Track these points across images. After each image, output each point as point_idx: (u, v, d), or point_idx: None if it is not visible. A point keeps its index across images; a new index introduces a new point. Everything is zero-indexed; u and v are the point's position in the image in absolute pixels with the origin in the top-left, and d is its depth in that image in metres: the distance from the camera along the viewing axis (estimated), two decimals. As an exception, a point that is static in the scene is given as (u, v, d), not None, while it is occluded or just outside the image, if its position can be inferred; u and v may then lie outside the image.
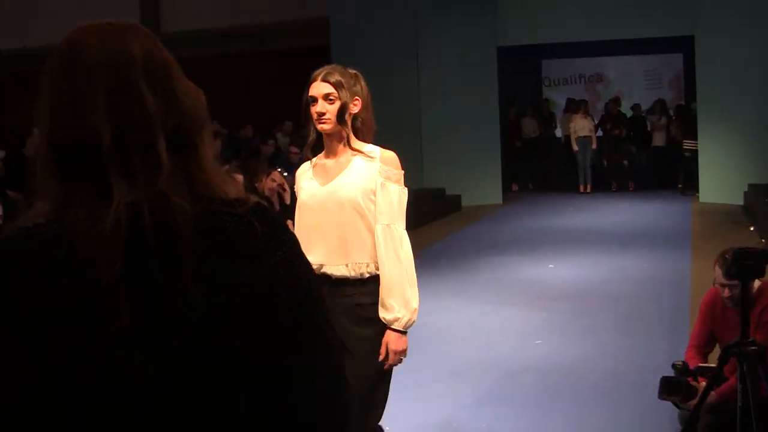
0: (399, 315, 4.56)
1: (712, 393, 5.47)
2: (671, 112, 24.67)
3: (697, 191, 20.88)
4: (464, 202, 21.49)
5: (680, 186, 22.22)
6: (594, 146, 23.67)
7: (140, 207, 1.76)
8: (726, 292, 5.89)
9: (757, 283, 5.91)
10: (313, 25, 23.29)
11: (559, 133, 26.30)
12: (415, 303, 4.63)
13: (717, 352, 5.81)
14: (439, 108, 21.48)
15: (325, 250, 4.63)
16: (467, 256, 14.97)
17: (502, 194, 22.40)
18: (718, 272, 5.93)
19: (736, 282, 5.42)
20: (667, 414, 6.54)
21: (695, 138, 21.05)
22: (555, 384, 7.91)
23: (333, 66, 4.82)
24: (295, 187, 4.97)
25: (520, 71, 26.31)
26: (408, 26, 21.41)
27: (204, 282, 1.77)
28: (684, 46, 22.96)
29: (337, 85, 4.65)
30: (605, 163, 24.25)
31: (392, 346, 4.59)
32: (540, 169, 25.56)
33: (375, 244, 4.60)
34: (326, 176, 4.74)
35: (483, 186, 21.86)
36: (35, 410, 1.72)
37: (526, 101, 26.37)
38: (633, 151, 24.03)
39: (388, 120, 21.55)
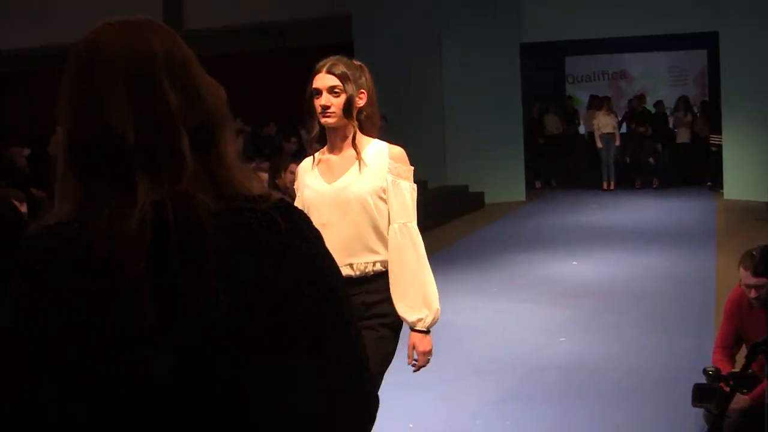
0: (422, 315, 4.46)
1: (746, 397, 5.44)
2: (695, 109, 24.58)
3: (722, 188, 20.80)
4: (487, 199, 21.44)
5: (709, 183, 22.06)
6: (617, 143, 23.55)
7: (164, 205, 1.76)
8: (752, 293, 5.82)
9: None
10: (336, 22, 23.28)
11: (582, 129, 26.21)
12: (437, 302, 4.53)
13: (744, 351, 5.76)
14: (463, 105, 21.43)
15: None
16: (490, 253, 14.93)
17: (525, 191, 22.34)
18: (744, 273, 5.85)
19: (765, 281, 5.37)
20: (692, 412, 6.51)
21: (721, 133, 20.98)
22: (579, 382, 7.88)
23: (337, 57, 4.62)
24: (296, 184, 4.83)
25: (544, 68, 26.28)
26: (431, 23, 21.38)
27: (227, 279, 1.77)
28: (708, 42, 22.87)
29: (342, 78, 4.48)
30: (628, 160, 24.14)
31: (420, 348, 4.52)
32: (563, 166, 25.46)
33: (381, 242, 4.49)
34: (332, 174, 4.58)
35: (506, 183, 21.82)
36: (57, 408, 1.72)
37: (549, 98, 26.29)
38: (659, 149, 23.89)
39: (411, 117, 21.69)
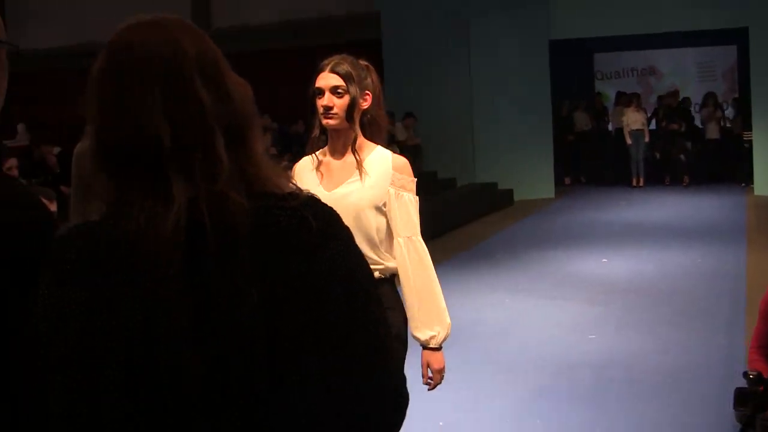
0: (434, 333, 4.28)
1: None
2: (724, 105, 24.47)
3: (752, 183, 20.71)
4: (516, 197, 21.44)
5: (743, 184, 21.90)
6: (647, 140, 23.47)
7: (198, 206, 1.75)
8: None
9: None
10: (363, 19, 23.29)
11: (610, 126, 26.13)
12: (448, 317, 4.35)
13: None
14: (492, 102, 21.44)
15: None
16: (520, 250, 14.91)
17: (554, 188, 22.33)
18: None
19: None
20: (724, 410, 6.47)
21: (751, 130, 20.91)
22: (609, 379, 7.86)
23: (342, 56, 4.35)
24: (294, 181, 4.59)
25: (572, 64, 26.22)
26: (460, 20, 21.38)
27: (257, 277, 1.76)
28: (738, 37, 22.77)
29: (346, 77, 4.24)
30: (658, 156, 24.03)
31: (434, 366, 4.34)
32: (592, 163, 25.42)
33: (374, 251, 4.25)
34: (332, 179, 4.34)
35: (535, 180, 21.81)
36: (87, 408, 1.72)
37: (579, 95, 26.22)
38: (688, 147, 23.74)
39: (440, 115, 21.73)
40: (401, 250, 4.26)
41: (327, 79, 4.25)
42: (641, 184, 23.48)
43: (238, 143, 1.85)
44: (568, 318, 10.14)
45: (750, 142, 21.20)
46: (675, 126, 23.67)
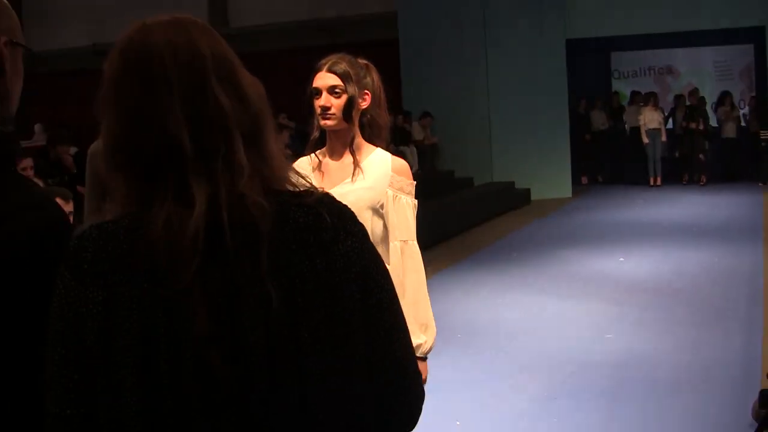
0: (421, 341, 4.13)
1: None
2: (741, 104, 24.40)
3: (769, 182, 20.72)
4: (533, 196, 21.43)
5: (761, 184, 21.83)
6: (664, 139, 23.42)
7: (219, 207, 1.75)
8: None
9: None
10: (381, 19, 23.31)
11: (626, 125, 26.08)
12: (434, 326, 4.20)
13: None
14: (509, 101, 21.43)
15: None
16: (537, 249, 14.90)
17: (571, 187, 22.30)
18: None
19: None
20: (741, 409, 6.47)
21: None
22: (626, 378, 7.84)
23: (340, 55, 4.26)
24: None
25: (589, 64, 26.17)
26: (476, 19, 21.38)
27: (276, 276, 1.77)
28: (755, 36, 22.70)
29: (344, 77, 4.12)
30: (677, 154, 23.96)
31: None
32: (610, 162, 25.37)
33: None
34: (330, 181, 4.21)
35: (552, 179, 21.80)
36: (106, 408, 1.73)
37: (595, 94, 26.17)
38: (706, 147, 23.66)
39: (458, 114, 21.73)
40: (396, 253, 4.16)
41: (324, 79, 4.17)
42: (659, 183, 23.42)
43: (256, 142, 1.85)
44: (586, 317, 10.13)
45: (767, 140, 21.13)
46: (695, 125, 23.60)
